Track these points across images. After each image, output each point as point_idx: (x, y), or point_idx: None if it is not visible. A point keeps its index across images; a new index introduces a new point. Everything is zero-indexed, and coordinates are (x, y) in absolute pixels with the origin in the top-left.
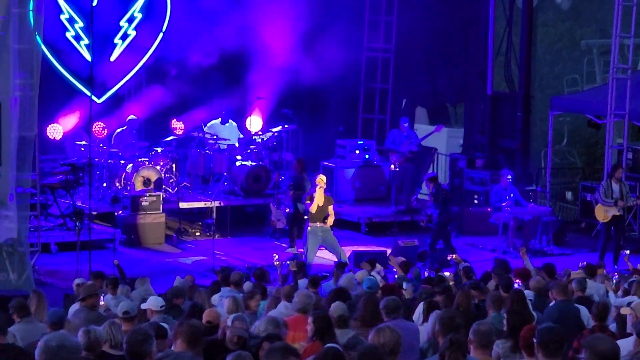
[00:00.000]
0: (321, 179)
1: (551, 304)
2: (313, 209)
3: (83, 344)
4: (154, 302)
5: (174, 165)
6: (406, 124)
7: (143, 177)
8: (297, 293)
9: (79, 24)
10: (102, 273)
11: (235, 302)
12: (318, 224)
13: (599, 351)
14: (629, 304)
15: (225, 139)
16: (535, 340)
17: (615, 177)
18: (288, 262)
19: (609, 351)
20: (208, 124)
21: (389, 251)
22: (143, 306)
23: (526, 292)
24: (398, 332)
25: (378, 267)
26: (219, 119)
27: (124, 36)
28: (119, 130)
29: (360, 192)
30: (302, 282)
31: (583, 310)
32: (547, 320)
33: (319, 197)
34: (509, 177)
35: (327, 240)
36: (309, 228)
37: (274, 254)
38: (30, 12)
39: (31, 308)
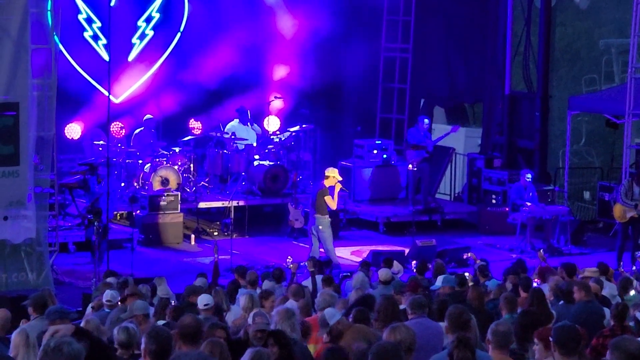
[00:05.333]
0: (335, 174)
1: (575, 303)
2: (333, 205)
3: (119, 342)
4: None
5: (192, 165)
6: (427, 120)
7: (161, 176)
8: (320, 292)
9: (97, 23)
10: (115, 272)
11: (251, 299)
12: (328, 217)
13: (628, 351)
14: None
15: (243, 139)
16: (551, 339)
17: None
18: (306, 263)
19: (637, 351)
20: (227, 126)
21: (406, 251)
22: None
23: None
24: (412, 330)
25: (397, 266)
26: (236, 120)
27: (142, 36)
28: (137, 130)
29: (377, 191)
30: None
31: (607, 312)
32: (573, 320)
33: (336, 193)
34: (528, 175)
35: None
36: (324, 221)
37: (288, 257)
38: (49, 12)
39: None
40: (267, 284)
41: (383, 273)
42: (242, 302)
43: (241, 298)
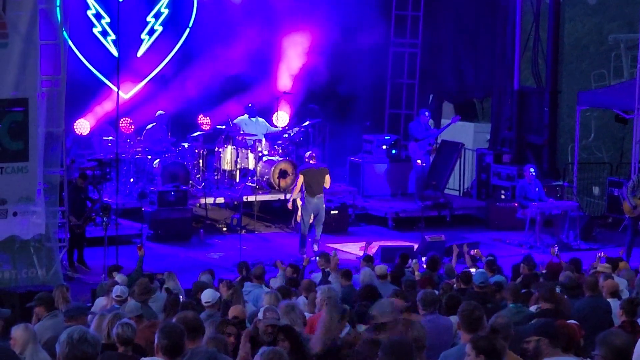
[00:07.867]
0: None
1: (580, 299)
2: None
3: (118, 338)
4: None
5: (201, 161)
6: (427, 113)
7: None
8: (319, 289)
9: (106, 19)
10: (119, 266)
11: (276, 298)
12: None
13: (614, 345)
14: None
15: (251, 135)
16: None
17: None
18: (317, 259)
19: (623, 345)
20: (235, 120)
21: (415, 246)
22: None
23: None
24: (424, 327)
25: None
26: (246, 115)
27: (151, 32)
28: (149, 126)
29: (392, 187)
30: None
31: (615, 304)
32: (576, 315)
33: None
34: (532, 170)
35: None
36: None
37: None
38: (58, 8)
39: (56, 302)
40: (276, 282)
41: (379, 268)
42: (265, 301)
43: (265, 297)
